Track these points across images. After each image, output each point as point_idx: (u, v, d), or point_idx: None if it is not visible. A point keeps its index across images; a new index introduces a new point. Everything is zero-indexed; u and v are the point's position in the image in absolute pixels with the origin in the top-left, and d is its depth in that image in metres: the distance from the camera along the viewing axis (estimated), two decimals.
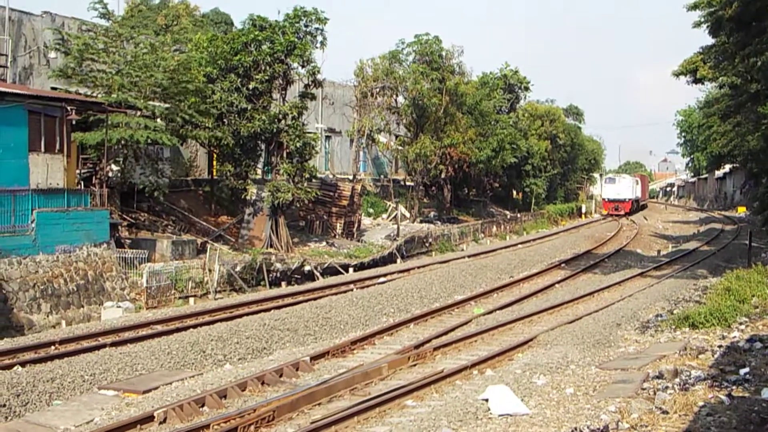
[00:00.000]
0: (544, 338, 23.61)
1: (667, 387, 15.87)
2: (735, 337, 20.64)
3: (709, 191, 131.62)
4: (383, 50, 65.47)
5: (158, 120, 38.81)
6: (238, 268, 36.65)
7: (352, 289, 33.94)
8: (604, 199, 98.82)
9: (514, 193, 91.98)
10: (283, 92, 46.82)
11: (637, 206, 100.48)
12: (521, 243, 58.39)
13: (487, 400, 15.94)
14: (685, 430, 12.84)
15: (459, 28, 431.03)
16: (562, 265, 45.07)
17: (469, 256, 47.51)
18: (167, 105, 39.30)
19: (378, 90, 61.91)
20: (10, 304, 27.40)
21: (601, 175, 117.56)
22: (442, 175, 66.36)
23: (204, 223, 44.46)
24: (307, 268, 40.03)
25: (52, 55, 41.76)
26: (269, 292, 34.61)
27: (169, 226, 41.66)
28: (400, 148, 67.23)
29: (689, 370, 17.03)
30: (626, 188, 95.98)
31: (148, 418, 16.54)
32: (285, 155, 45.49)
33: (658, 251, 55.75)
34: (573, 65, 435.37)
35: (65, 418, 17.57)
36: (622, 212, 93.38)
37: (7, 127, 30.98)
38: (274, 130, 44.55)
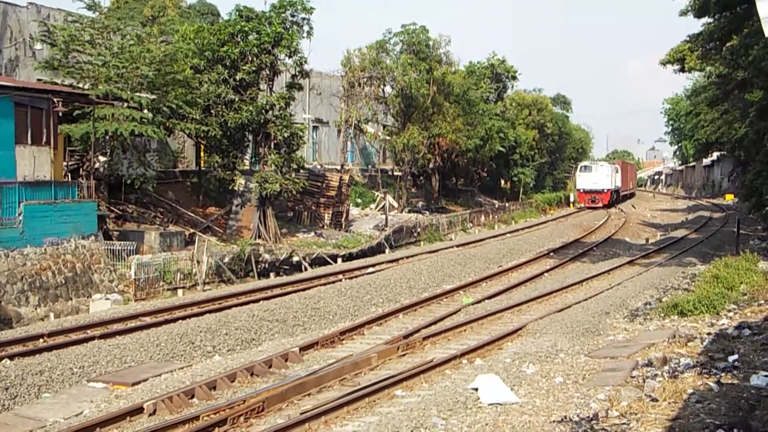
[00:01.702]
0: (533, 327, 23.64)
1: (656, 375, 15.91)
2: (724, 324, 20.72)
3: (696, 179, 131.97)
4: (370, 40, 65.33)
5: (145, 111, 38.67)
6: (226, 260, 36.59)
7: (340, 280, 33.92)
8: (578, 190, 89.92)
9: (502, 182, 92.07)
10: (271, 83, 46.70)
11: (617, 197, 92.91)
12: (509, 232, 58.43)
13: (476, 389, 15.95)
14: (675, 417, 12.87)
15: (446, 17, 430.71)
16: (551, 254, 45.14)
17: (457, 246, 47.52)
18: (154, 96, 39.16)
19: (365, 80, 61.83)
20: None
21: None
22: (430, 165, 66.40)
23: (192, 215, 44.36)
24: (295, 258, 39.99)
25: (38, 46, 41.62)
26: (258, 283, 34.57)
27: (157, 218, 41.57)
28: (387, 138, 67.15)
29: (678, 358, 17.08)
30: (604, 177, 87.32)
31: (138, 410, 16.54)
32: (273, 146, 45.40)
33: (647, 239, 55.85)
34: (560, 54, 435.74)
35: (54, 411, 17.54)
36: (600, 204, 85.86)
37: None
38: (262, 120, 44.44)
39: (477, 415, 14.63)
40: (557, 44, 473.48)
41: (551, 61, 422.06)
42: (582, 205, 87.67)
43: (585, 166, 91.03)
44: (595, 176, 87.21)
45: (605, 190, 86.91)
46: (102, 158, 39.00)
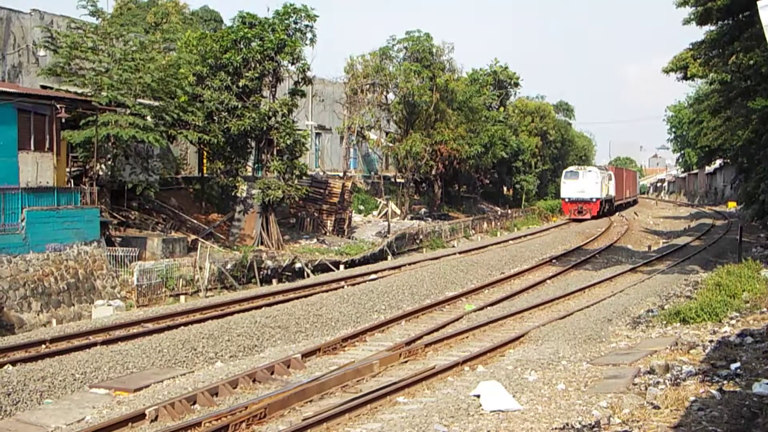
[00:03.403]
0: (535, 334, 23.62)
1: (658, 382, 15.90)
2: (726, 331, 20.70)
3: (699, 186, 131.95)
4: (374, 47, 65.25)
5: (148, 118, 38.72)
6: (228, 266, 36.59)
7: (343, 286, 33.90)
8: (563, 200, 79.90)
9: (505, 189, 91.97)
10: (273, 89, 46.75)
11: (609, 207, 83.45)
12: (512, 239, 58.37)
13: (478, 396, 15.94)
14: (677, 425, 12.86)
15: (449, 24, 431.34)
16: (553, 261, 45.11)
17: (459, 253, 47.48)
18: (157, 103, 39.22)
19: (368, 87, 61.91)
20: (0, 303, 27.32)
21: None
22: (433, 172, 66.38)
23: (194, 221, 44.38)
24: (297, 265, 39.98)
25: (41, 53, 41.63)
26: (260, 290, 34.54)
27: (160, 224, 41.57)
28: (390, 145, 67.22)
29: (680, 365, 17.07)
30: (592, 185, 77.02)
31: (140, 416, 16.52)
32: (275, 153, 45.44)
33: (649, 247, 55.81)
34: (563, 61, 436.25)
35: (56, 417, 17.55)
36: (587, 216, 75.91)
37: None
38: (264, 127, 44.50)
39: (479, 422, 14.62)
40: (559, 52, 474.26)
41: (553, 68, 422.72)
42: (567, 216, 78.30)
43: (571, 172, 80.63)
44: (582, 183, 77.53)
45: (594, 200, 77.28)
46: (104, 166, 39.04)
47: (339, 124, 65.73)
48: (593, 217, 75.67)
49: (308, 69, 47.40)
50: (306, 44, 46.76)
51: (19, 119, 31.77)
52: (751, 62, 36.62)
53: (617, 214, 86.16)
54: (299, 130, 48.79)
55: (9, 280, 28.02)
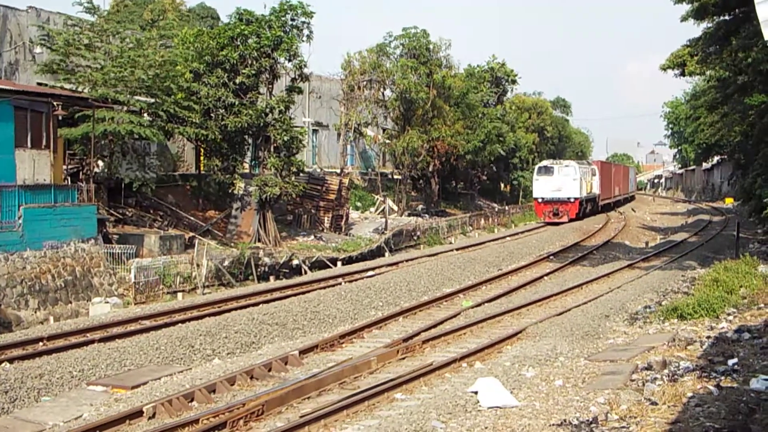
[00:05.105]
0: (533, 330, 23.61)
1: (656, 378, 15.92)
2: (723, 327, 20.73)
3: (696, 182, 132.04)
4: (370, 44, 65.18)
5: (144, 115, 38.67)
6: (226, 263, 36.58)
7: (340, 283, 33.88)
8: (536, 200, 68.09)
9: (502, 185, 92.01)
10: (270, 86, 46.73)
11: (592, 208, 73.32)
12: (509, 235, 58.31)
13: (476, 393, 15.95)
14: (674, 421, 12.86)
15: (445, 20, 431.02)
16: (551, 257, 45.04)
17: (457, 249, 47.45)
18: (153, 100, 39.19)
19: (365, 83, 61.85)
20: None
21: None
22: (430, 168, 66.37)
23: (192, 218, 44.35)
24: (295, 262, 39.99)
25: (37, 50, 41.57)
26: (257, 287, 34.51)
27: (157, 221, 41.55)
28: (387, 141, 67.24)
29: (678, 361, 17.09)
30: (569, 182, 65.93)
31: (137, 414, 16.50)
32: (272, 149, 45.46)
33: (646, 243, 55.76)
34: (560, 57, 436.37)
35: (54, 414, 17.51)
36: (565, 218, 65.12)
37: None
38: (261, 124, 44.49)
39: (477, 419, 14.63)
40: (556, 48, 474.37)
41: (550, 64, 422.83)
42: (542, 220, 67.09)
43: (544, 168, 68.25)
44: (558, 181, 66.15)
45: (572, 200, 66.02)
46: (101, 163, 39.01)
47: (336, 121, 65.70)
48: (571, 220, 65.87)
49: (305, 66, 47.40)
50: (303, 41, 46.82)
51: (16, 116, 31.69)
52: (748, 60, 36.67)
53: (616, 210, 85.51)
54: (296, 126, 48.78)
55: (6, 277, 28.00)
